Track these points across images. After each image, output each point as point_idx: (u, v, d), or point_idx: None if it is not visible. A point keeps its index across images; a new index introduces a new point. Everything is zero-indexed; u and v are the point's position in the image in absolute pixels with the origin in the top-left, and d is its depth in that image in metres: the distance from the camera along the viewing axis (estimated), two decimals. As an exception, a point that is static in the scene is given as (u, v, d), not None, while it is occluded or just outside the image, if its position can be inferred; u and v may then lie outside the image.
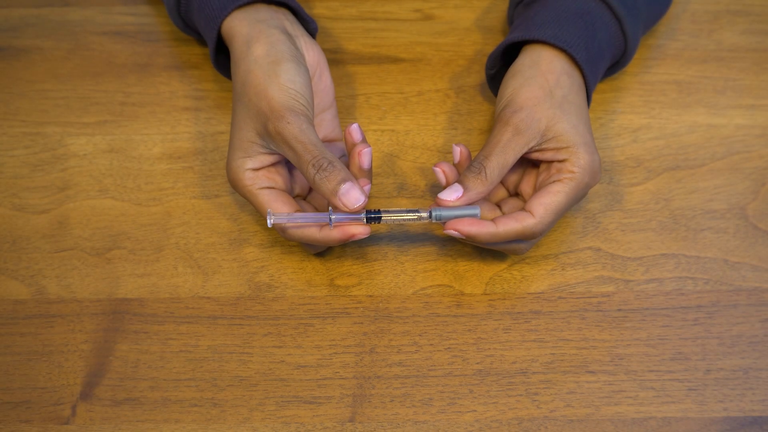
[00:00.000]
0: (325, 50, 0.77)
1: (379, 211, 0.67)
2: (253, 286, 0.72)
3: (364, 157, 0.68)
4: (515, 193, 0.73)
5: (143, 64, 0.83)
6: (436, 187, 0.76)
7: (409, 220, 0.68)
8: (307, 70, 0.70)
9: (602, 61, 0.74)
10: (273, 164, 0.70)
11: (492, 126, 0.71)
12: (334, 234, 0.67)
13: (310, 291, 0.72)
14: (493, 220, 0.68)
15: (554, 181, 0.68)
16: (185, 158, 0.78)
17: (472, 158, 0.70)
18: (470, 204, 0.67)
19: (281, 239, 0.74)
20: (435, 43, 0.84)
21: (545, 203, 0.67)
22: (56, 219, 0.76)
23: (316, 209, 0.71)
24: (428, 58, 0.83)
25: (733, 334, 0.70)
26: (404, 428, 0.67)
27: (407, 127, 0.80)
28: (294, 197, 0.71)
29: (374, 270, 0.73)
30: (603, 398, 0.68)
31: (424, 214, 0.68)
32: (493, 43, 0.84)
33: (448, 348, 0.70)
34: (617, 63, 0.78)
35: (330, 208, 0.67)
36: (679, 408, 0.67)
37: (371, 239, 0.74)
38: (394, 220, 0.68)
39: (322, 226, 0.67)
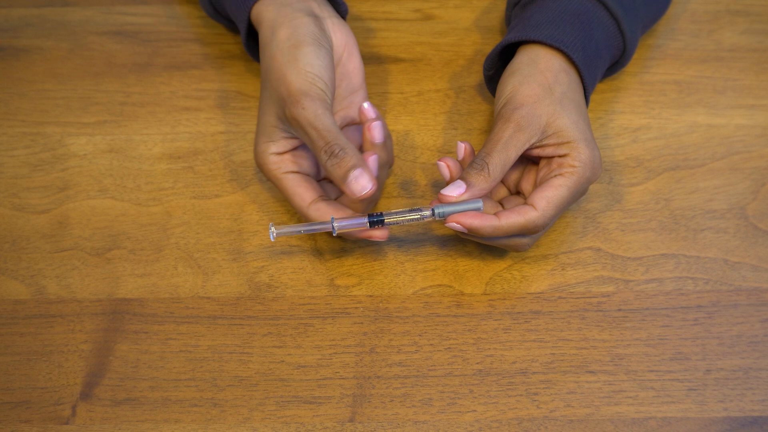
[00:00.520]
0: (325, 50, 0.77)
1: (381, 214, 0.67)
2: (253, 286, 0.72)
3: (375, 130, 0.69)
4: (516, 192, 0.73)
5: (143, 64, 0.83)
6: (437, 186, 0.76)
7: (413, 220, 0.68)
8: (329, 53, 0.70)
9: (600, 60, 0.74)
10: (297, 148, 0.70)
11: (492, 124, 0.71)
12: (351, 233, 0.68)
13: (310, 291, 0.72)
14: (495, 213, 0.68)
15: (556, 176, 0.68)
16: (185, 158, 0.78)
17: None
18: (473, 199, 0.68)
19: (282, 238, 0.74)
20: (435, 43, 0.84)
21: (547, 196, 0.67)
22: (56, 219, 0.76)
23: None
24: (428, 58, 0.83)
25: (733, 334, 0.70)
26: (404, 428, 0.67)
27: (407, 127, 0.80)
28: (321, 180, 0.72)
29: (374, 270, 0.73)
30: (603, 398, 0.68)
31: (427, 212, 0.68)
32: (492, 43, 0.84)
33: (448, 348, 0.70)
34: (617, 63, 0.78)
35: (332, 216, 0.67)
36: (679, 408, 0.67)
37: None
38: (398, 222, 0.68)
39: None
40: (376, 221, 0.67)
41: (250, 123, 0.80)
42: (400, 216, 0.68)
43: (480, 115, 0.80)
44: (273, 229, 0.68)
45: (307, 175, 0.70)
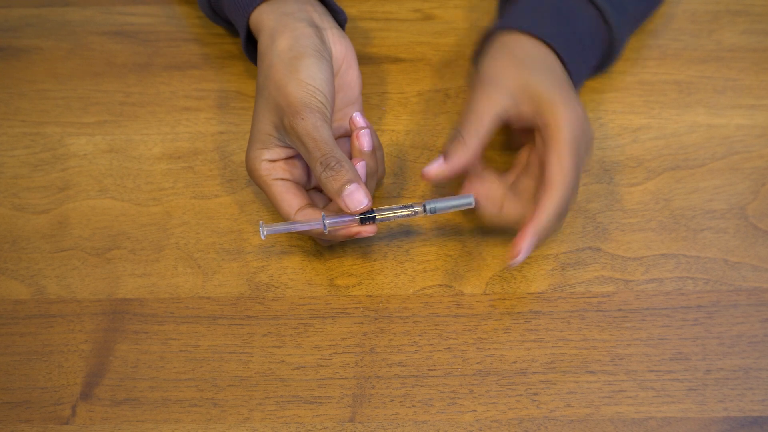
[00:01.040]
0: (325, 50, 0.77)
1: (373, 211, 0.68)
2: (253, 286, 0.72)
3: (363, 138, 0.69)
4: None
5: (143, 64, 0.83)
6: (437, 188, 0.76)
7: (404, 216, 0.68)
8: (329, 65, 0.70)
9: (584, 50, 0.74)
10: (290, 157, 0.71)
11: None
12: (338, 232, 0.67)
13: (310, 291, 0.72)
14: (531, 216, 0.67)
15: (549, 151, 0.67)
16: (185, 158, 0.78)
17: None
18: (454, 171, 0.67)
19: (281, 239, 0.74)
20: (435, 43, 0.84)
21: (554, 173, 0.66)
22: (56, 219, 0.76)
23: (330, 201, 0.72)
24: (428, 58, 0.83)
25: (733, 334, 0.70)
26: (404, 428, 0.67)
27: (407, 127, 0.80)
28: (311, 189, 0.72)
29: (374, 270, 0.73)
30: (603, 398, 0.68)
31: (419, 208, 0.68)
32: (493, 43, 0.84)
33: (448, 348, 0.70)
34: (609, 57, 0.77)
35: (323, 213, 0.67)
36: (679, 408, 0.67)
37: (371, 239, 0.74)
38: (389, 218, 0.68)
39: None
40: (368, 218, 0.67)
41: (250, 123, 0.80)
42: (391, 212, 0.68)
43: (480, 115, 0.80)
44: (263, 227, 0.68)
45: (297, 183, 0.70)
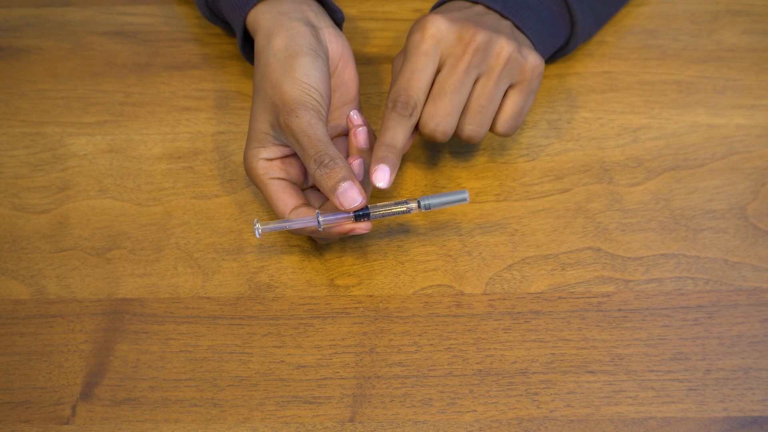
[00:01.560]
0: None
1: (367, 208, 0.68)
2: (253, 286, 0.72)
3: (360, 135, 0.70)
4: None
5: (143, 64, 0.83)
6: (437, 187, 0.76)
7: (399, 213, 0.68)
8: (325, 64, 0.70)
9: (526, 7, 0.74)
10: (287, 156, 0.71)
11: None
12: (333, 229, 0.67)
13: (310, 291, 0.72)
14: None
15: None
16: (185, 158, 0.78)
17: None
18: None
19: (281, 239, 0.74)
20: (435, 43, 0.84)
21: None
22: (56, 219, 0.76)
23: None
24: (428, 58, 0.83)
25: (733, 334, 0.70)
26: (404, 428, 0.67)
27: (407, 127, 0.80)
28: (308, 188, 0.72)
29: (374, 270, 0.73)
30: (603, 398, 0.68)
31: (413, 205, 0.68)
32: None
33: (448, 348, 0.70)
34: (572, 33, 0.78)
35: (317, 210, 0.67)
36: (679, 408, 0.67)
37: (371, 239, 0.74)
38: (384, 215, 0.68)
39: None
40: (362, 215, 0.67)
41: (250, 123, 0.80)
42: (386, 209, 0.68)
43: (480, 115, 0.80)
44: (258, 225, 0.68)
45: (293, 183, 0.70)
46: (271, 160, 0.70)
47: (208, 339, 0.70)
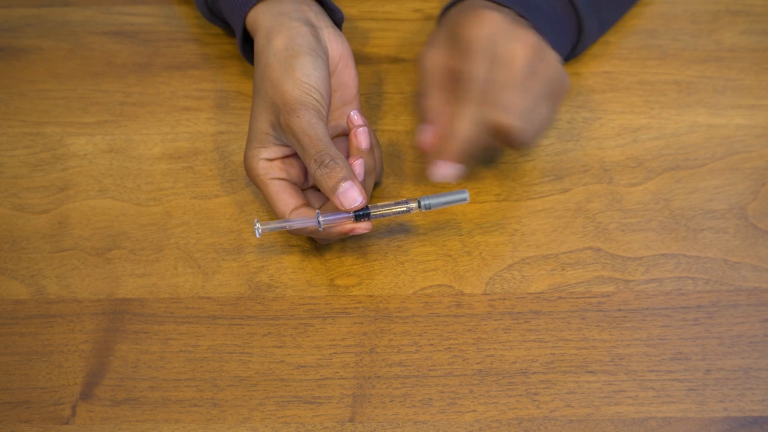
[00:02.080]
0: (325, 50, 0.77)
1: (367, 208, 0.68)
2: (253, 286, 0.72)
3: (360, 136, 0.69)
4: None
5: (143, 64, 0.83)
6: (437, 187, 0.76)
7: (399, 212, 0.68)
8: (325, 64, 0.70)
9: (542, 13, 0.74)
10: (288, 156, 0.71)
11: None
12: (333, 229, 0.67)
13: (310, 291, 0.72)
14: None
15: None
16: (185, 158, 0.78)
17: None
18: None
19: (281, 239, 0.74)
20: (435, 43, 0.84)
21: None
22: (56, 219, 0.76)
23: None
24: (428, 58, 0.83)
25: (733, 334, 0.70)
26: (404, 428, 0.67)
27: (407, 127, 0.80)
28: (308, 188, 0.73)
29: (374, 270, 0.73)
30: (603, 398, 0.68)
31: (413, 204, 0.68)
32: (493, 43, 0.84)
33: (448, 348, 0.70)
34: (580, 32, 0.78)
35: (317, 210, 0.67)
36: (679, 408, 0.67)
37: (371, 239, 0.74)
38: (384, 215, 0.68)
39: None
40: (362, 215, 0.67)
41: (250, 123, 0.80)
42: (386, 209, 0.68)
43: (480, 115, 0.80)
44: (258, 225, 0.68)
45: (294, 183, 0.71)
46: (271, 160, 0.70)
47: (208, 339, 0.70)
